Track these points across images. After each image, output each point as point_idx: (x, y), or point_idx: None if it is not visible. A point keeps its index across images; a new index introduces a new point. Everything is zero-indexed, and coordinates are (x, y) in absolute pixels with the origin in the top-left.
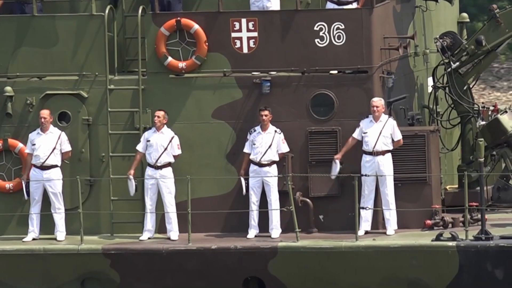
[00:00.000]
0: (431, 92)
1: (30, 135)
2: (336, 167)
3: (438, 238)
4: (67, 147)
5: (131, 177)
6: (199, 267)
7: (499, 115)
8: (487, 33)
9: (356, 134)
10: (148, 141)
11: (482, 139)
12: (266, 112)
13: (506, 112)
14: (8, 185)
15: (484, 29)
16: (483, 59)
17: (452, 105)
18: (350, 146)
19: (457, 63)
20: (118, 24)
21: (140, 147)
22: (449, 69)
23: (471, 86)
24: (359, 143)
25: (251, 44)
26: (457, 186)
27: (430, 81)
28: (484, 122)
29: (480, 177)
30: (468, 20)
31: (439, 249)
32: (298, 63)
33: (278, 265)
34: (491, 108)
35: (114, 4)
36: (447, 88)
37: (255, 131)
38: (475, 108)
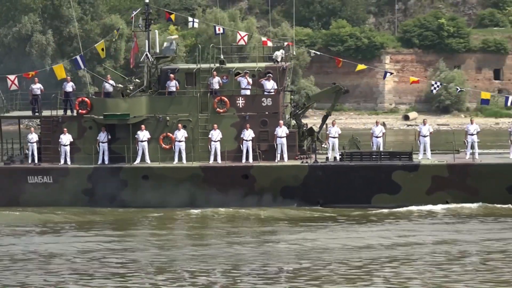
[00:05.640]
0: (289, 119)
1: (175, 131)
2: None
3: (302, 163)
4: (185, 134)
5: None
6: (228, 175)
7: (312, 126)
8: (306, 100)
9: (276, 132)
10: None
11: (316, 131)
12: (248, 125)
13: (314, 125)
14: (167, 146)
15: (306, 98)
16: (305, 109)
17: (295, 123)
18: (276, 137)
19: (298, 110)
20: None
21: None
22: (296, 112)
23: (301, 117)
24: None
25: (241, 105)
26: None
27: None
28: (305, 128)
29: (314, 143)
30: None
31: (303, 165)
32: (256, 109)
33: (254, 171)
34: (308, 125)
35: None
36: (294, 117)
37: (244, 130)
38: (303, 124)
